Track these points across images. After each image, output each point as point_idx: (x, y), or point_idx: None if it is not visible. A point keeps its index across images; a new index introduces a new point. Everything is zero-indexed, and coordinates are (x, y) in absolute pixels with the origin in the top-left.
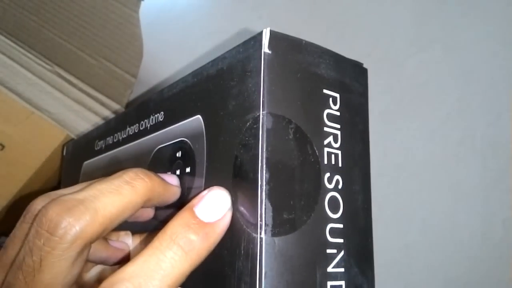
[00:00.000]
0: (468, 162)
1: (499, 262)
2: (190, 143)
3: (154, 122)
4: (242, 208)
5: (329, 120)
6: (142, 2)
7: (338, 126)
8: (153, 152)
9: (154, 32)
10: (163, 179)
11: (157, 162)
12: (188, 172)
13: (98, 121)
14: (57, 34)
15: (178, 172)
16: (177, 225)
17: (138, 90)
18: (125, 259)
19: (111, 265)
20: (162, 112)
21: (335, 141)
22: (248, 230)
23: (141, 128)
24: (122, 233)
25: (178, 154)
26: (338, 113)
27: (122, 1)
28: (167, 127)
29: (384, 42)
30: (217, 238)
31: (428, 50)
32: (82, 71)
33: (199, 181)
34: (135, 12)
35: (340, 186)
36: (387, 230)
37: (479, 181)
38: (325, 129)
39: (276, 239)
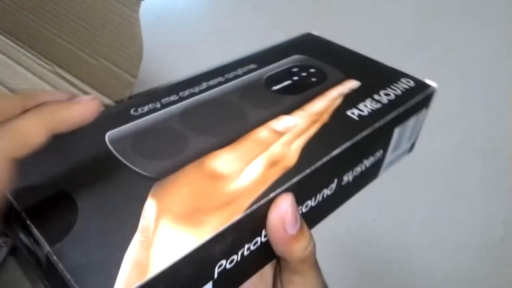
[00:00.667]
0: (468, 162)
1: (499, 262)
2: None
3: (245, 70)
4: None
5: None
6: (142, 2)
7: None
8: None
9: (154, 32)
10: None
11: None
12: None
13: None
14: (57, 34)
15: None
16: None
17: (138, 90)
18: None
19: None
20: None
21: None
22: None
23: (226, 78)
24: None
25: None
26: None
27: (122, 1)
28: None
29: (384, 42)
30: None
31: (428, 50)
32: (82, 71)
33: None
34: (135, 12)
35: None
36: (387, 230)
37: (479, 181)
38: None
39: None
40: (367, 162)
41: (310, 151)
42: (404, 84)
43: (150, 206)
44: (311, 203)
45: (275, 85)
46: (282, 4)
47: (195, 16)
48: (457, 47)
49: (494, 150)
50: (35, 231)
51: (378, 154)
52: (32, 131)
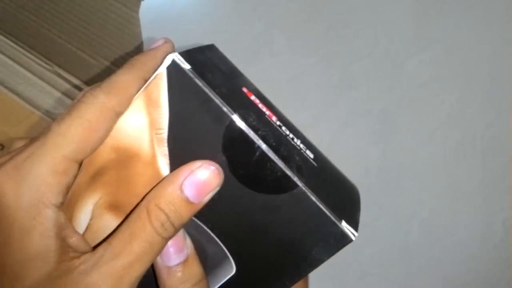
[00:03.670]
0: (468, 162)
1: (499, 262)
2: None
3: None
4: None
5: None
6: (142, 2)
7: None
8: None
9: (154, 32)
10: None
11: None
12: None
13: None
14: (57, 34)
15: None
16: (161, 202)
17: None
18: None
19: None
20: None
21: None
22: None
23: None
24: None
25: None
26: None
27: (122, 1)
28: None
29: (384, 42)
30: (193, 214)
31: (428, 50)
32: (82, 71)
33: None
34: (135, 12)
35: None
36: (387, 230)
37: (479, 181)
38: None
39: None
40: None
41: None
42: None
43: None
44: None
45: None
46: (282, 4)
47: (195, 16)
48: (457, 47)
49: (494, 150)
50: None
51: None
52: (132, 85)
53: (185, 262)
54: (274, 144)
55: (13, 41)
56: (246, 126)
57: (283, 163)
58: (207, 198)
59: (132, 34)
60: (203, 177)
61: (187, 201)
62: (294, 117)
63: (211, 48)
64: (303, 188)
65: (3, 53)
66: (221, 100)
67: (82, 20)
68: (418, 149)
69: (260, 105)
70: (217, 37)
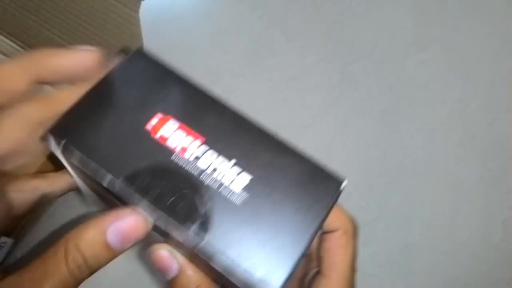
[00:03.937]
0: (468, 162)
1: (499, 262)
2: None
3: None
4: None
5: None
6: (142, 2)
7: None
8: None
9: (154, 32)
10: None
11: None
12: None
13: None
14: (57, 34)
15: None
16: (81, 243)
17: None
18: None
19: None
20: None
21: None
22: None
23: None
24: None
25: None
26: None
27: (122, 1)
28: None
29: (384, 42)
30: (113, 259)
31: (428, 50)
32: None
33: None
34: (135, 12)
35: None
36: (387, 230)
37: (479, 181)
38: None
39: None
40: None
41: None
42: None
43: None
44: None
45: None
46: (282, 4)
47: (195, 16)
48: (457, 47)
49: (494, 150)
50: None
51: None
52: (12, 77)
53: (177, 276)
54: (170, 202)
55: (13, 41)
56: (129, 192)
57: (179, 225)
58: (130, 245)
59: (132, 34)
60: (129, 225)
61: (108, 247)
62: (294, 117)
63: (128, 66)
64: (198, 252)
65: (3, 53)
66: (95, 173)
67: (82, 20)
68: (418, 149)
69: (170, 140)
70: (217, 37)
